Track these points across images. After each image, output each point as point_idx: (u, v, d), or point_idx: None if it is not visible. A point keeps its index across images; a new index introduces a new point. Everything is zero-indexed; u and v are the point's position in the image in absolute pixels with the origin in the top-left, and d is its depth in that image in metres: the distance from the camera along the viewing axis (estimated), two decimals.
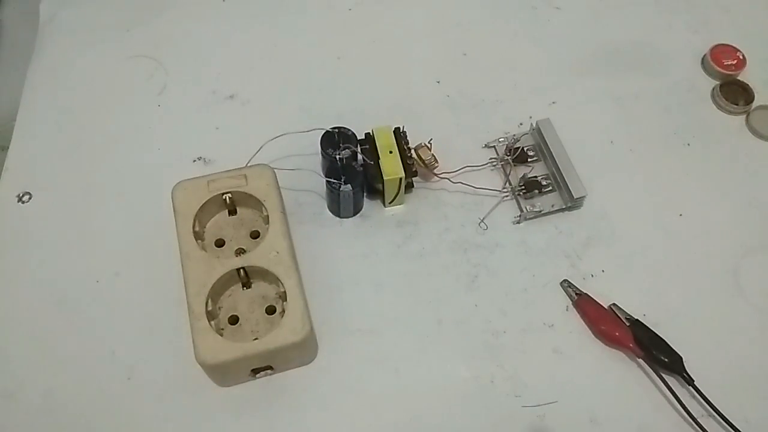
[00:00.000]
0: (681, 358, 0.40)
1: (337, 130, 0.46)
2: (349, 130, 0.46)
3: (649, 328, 0.42)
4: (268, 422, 0.40)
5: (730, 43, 0.55)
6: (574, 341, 0.42)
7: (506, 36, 0.57)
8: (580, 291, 0.43)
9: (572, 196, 0.46)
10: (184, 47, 0.56)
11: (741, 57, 0.55)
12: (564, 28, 0.58)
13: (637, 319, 0.42)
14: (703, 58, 0.56)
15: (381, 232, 0.46)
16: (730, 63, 0.54)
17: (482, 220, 0.47)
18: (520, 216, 0.47)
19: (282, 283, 0.39)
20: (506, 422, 0.40)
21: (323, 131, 0.46)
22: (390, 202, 0.47)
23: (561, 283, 0.44)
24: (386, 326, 0.43)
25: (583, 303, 0.43)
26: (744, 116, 0.53)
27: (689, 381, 0.40)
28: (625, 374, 0.41)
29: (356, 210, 0.47)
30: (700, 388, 0.40)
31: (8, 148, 0.50)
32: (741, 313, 0.44)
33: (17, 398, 0.40)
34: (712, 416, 0.39)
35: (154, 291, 0.43)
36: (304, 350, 0.40)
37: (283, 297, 0.39)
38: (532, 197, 0.47)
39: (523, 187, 0.47)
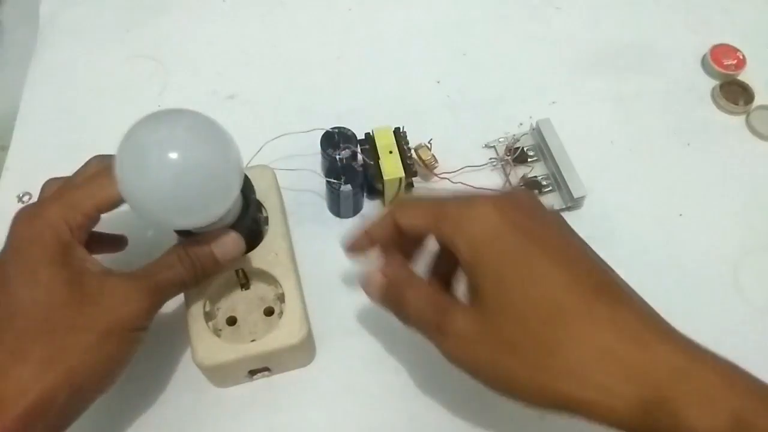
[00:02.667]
0: None
1: (337, 130, 0.46)
2: (349, 130, 0.46)
3: None
4: (268, 422, 0.40)
5: (730, 43, 0.55)
6: None
7: (506, 36, 0.57)
8: None
9: (572, 196, 0.46)
10: (184, 47, 0.56)
11: (741, 57, 0.55)
12: (564, 28, 0.58)
13: None
14: (703, 58, 0.56)
15: None
16: (730, 63, 0.54)
17: None
18: None
19: (280, 285, 0.39)
20: (506, 422, 0.40)
21: (323, 131, 0.46)
22: (390, 203, 0.47)
23: None
24: (386, 326, 0.43)
25: None
26: (744, 116, 0.53)
27: None
28: None
29: (356, 210, 0.47)
30: None
31: (8, 148, 0.50)
32: (741, 313, 0.44)
33: None
34: None
35: None
36: (301, 353, 0.40)
37: (282, 299, 0.39)
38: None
39: (523, 187, 0.47)
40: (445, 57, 0.56)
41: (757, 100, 0.53)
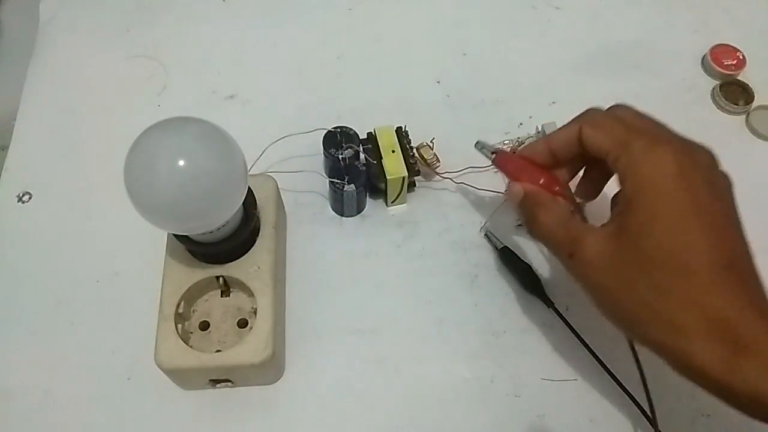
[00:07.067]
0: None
1: (339, 130, 0.46)
2: (351, 129, 0.46)
3: None
4: (268, 422, 0.40)
5: (730, 43, 0.56)
6: (574, 341, 0.42)
7: (506, 36, 0.57)
8: (496, 149, 0.43)
9: (575, 202, 0.46)
10: (184, 47, 0.56)
11: (741, 57, 0.55)
12: (564, 28, 0.58)
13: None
14: (703, 58, 0.56)
15: (381, 232, 0.47)
16: (730, 63, 0.54)
17: (484, 225, 0.47)
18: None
19: (256, 300, 0.38)
20: (506, 422, 0.40)
21: (325, 131, 0.46)
22: (392, 201, 0.47)
23: (475, 146, 0.44)
24: (386, 326, 0.43)
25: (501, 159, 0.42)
26: (744, 116, 0.53)
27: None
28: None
29: (359, 209, 0.47)
30: None
31: (8, 148, 0.50)
32: None
33: (17, 398, 0.40)
34: (712, 416, 0.39)
35: (154, 291, 0.42)
36: (264, 372, 0.39)
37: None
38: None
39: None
40: (445, 57, 0.56)
41: (757, 100, 0.53)
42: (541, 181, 0.39)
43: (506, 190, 0.40)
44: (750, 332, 0.29)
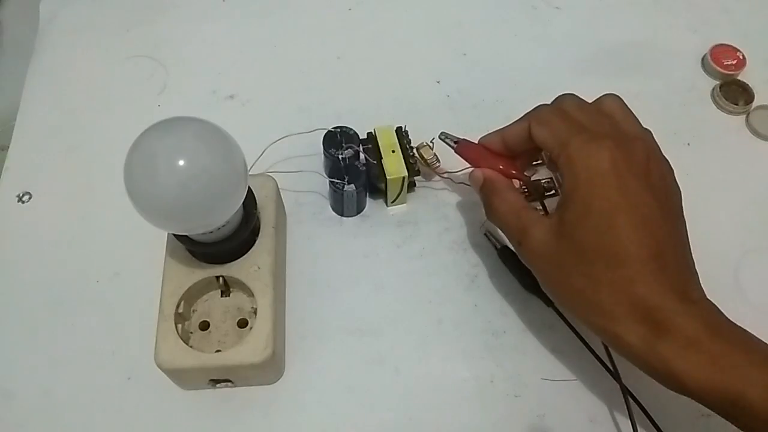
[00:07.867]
0: None
1: (339, 130, 0.46)
2: (351, 129, 0.46)
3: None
4: (267, 423, 0.40)
5: (730, 43, 0.56)
6: (574, 341, 0.42)
7: (506, 36, 0.57)
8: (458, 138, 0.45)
9: None
10: (184, 47, 0.56)
11: (741, 57, 0.55)
12: (564, 28, 0.58)
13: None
14: (703, 58, 0.56)
15: (381, 232, 0.47)
16: (730, 63, 0.54)
17: (483, 225, 0.47)
18: None
19: (256, 300, 0.38)
20: (506, 422, 0.40)
21: (325, 131, 0.46)
22: (392, 201, 0.47)
23: (439, 136, 0.45)
24: (386, 326, 0.43)
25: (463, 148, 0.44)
26: (744, 116, 0.53)
27: None
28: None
29: (359, 209, 0.47)
30: None
31: (8, 148, 0.50)
32: (741, 313, 0.44)
33: (17, 398, 0.40)
34: (712, 416, 0.39)
35: (154, 291, 0.42)
36: (264, 372, 0.39)
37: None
38: (534, 200, 0.47)
39: (525, 190, 0.47)
40: (445, 57, 0.56)
41: (757, 100, 0.53)
42: (500, 167, 0.42)
43: (469, 176, 0.43)
44: (669, 316, 0.32)
